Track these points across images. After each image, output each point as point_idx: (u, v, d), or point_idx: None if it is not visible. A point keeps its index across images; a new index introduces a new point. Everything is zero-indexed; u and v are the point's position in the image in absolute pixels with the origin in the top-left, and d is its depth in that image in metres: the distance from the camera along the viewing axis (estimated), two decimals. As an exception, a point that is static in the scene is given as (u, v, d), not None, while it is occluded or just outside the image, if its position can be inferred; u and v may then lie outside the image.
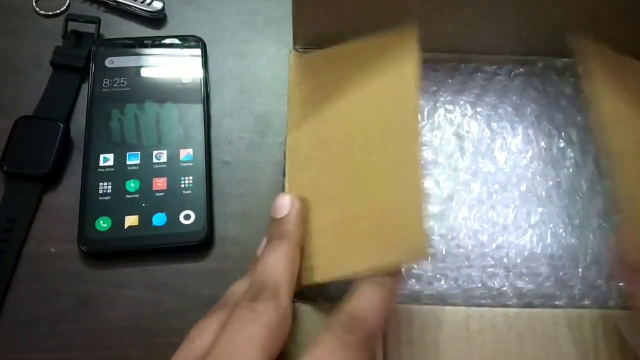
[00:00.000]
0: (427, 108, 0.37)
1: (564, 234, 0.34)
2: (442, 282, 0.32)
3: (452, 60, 0.39)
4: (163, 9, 0.48)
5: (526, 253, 0.33)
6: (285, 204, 0.28)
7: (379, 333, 0.24)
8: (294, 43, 0.38)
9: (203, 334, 0.25)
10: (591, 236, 0.34)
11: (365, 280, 0.25)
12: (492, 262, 0.32)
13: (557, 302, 0.32)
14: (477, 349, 0.29)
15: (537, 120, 0.38)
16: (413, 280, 0.32)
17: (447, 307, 0.30)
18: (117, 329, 0.37)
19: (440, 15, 0.36)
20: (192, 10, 0.49)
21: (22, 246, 0.39)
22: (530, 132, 0.37)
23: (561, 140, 0.37)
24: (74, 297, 0.38)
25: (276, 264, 0.26)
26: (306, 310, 0.29)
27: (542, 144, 0.37)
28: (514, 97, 0.38)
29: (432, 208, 0.34)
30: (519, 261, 0.33)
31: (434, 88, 0.38)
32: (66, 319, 0.37)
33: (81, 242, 0.38)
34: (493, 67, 0.39)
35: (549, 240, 0.33)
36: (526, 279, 0.32)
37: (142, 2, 0.47)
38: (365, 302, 0.25)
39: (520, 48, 0.39)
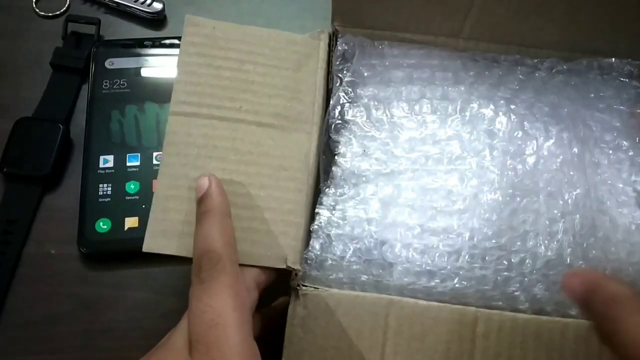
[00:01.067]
0: (459, 101, 0.36)
1: (585, 245, 0.33)
2: (455, 280, 0.31)
3: (492, 51, 0.38)
4: (163, 10, 0.48)
5: (544, 260, 0.32)
6: (204, 182, 0.29)
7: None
8: (333, 20, 0.38)
9: None
10: (613, 249, 0.33)
11: None
12: (508, 266, 0.32)
13: (570, 312, 0.31)
14: (479, 352, 0.29)
15: (572, 124, 0.36)
16: (427, 277, 0.32)
17: (457, 306, 0.29)
18: (117, 330, 0.37)
19: (484, 3, 0.36)
20: (192, 11, 0.48)
21: (22, 248, 0.39)
22: (565, 135, 0.36)
23: (596, 148, 0.36)
24: (73, 299, 0.38)
25: (208, 233, 0.28)
26: (316, 296, 0.29)
27: (575, 150, 0.35)
28: (552, 97, 0.37)
29: (454, 205, 0.33)
30: (536, 268, 0.32)
31: (471, 80, 0.37)
32: (66, 320, 0.37)
33: (81, 243, 0.38)
34: (534, 61, 0.38)
35: (569, 250, 0.32)
36: (541, 285, 0.31)
37: (142, 3, 0.47)
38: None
39: (565, 44, 0.38)
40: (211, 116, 0.32)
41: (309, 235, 0.32)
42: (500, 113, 0.36)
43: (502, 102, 0.37)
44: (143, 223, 0.39)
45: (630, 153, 0.36)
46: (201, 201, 0.29)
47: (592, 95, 0.37)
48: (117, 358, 0.36)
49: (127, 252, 0.39)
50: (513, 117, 0.36)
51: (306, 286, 0.30)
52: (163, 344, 0.27)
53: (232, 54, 0.34)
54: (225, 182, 0.30)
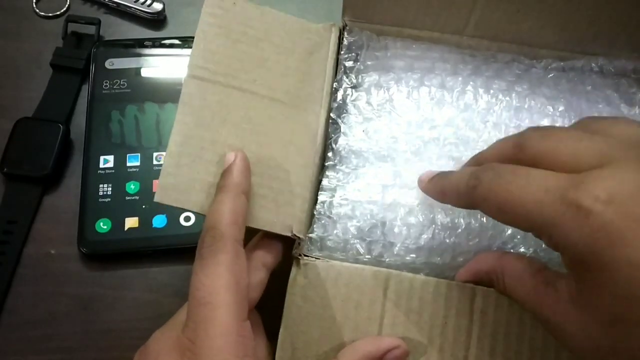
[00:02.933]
0: (456, 90, 0.37)
1: None
2: (454, 255, 0.32)
3: (494, 49, 0.39)
4: (163, 10, 0.48)
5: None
6: (229, 157, 0.30)
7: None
8: (343, 14, 0.38)
9: None
10: None
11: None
12: (510, 245, 0.32)
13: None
14: (477, 327, 0.29)
15: (569, 115, 0.37)
16: (426, 252, 0.32)
17: (455, 282, 0.30)
18: (116, 331, 0.37)
19: (487, 1, 0.36)
20: (192, 11, 0.49)
21: (22, 248, 0.39)
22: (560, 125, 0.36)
23: None
24: (73, 299, 0.38)
25: (217, 210, 0.28)
26: (316, 267, 0.30)
27: None
28: (548, 90, 0.38)
29: None
30: (530, 244, 0.32)
31: (468, 72, 0.38)
32: (66, 320, 0.37)
33: (81, 243, 0.38)
34: (532, 61, 0.39)
35: None
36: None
37: (142, 4, 0.47)
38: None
39: (563, 44, 0.38)
40: (227, 84, 0.32)
41: (312, 212, 0.33)
42: (496, 102, 0.37)
43: (498, 92, 0.37)
44: (143, 223, 0.39)
45: None
46: (222, 176, 0.29)
47: (590, 87, 0.38)
48: (117, 358, 0.36)
49: (127, 252, 0.39)
50: (508, 106, 0.37)
51: (307, 256, 0.30)
52: (171, 318, 0.28)
53: (250, 31, 0.34)
54: (236, 147, 0.30)
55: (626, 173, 0.21)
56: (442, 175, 0.30)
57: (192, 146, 0.30)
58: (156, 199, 0.29)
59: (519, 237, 0.33)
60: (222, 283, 0.25)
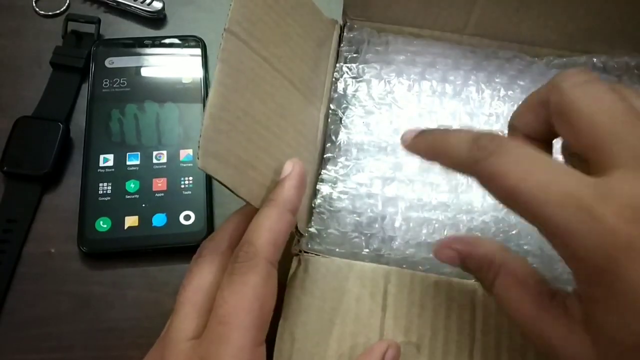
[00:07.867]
0: (458, 83, 0.37)
1: None
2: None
3: (492, 46, 0.39)
4: (163, 9, 0.48)
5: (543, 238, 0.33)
6: (286, 168, 0.28)
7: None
8: (344, 12, 0.39)
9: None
10: None
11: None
12: (505, 239, 0.32)
13: (567, 287, 0.31)
14: (480, 321, 0.29)
15: None
16: (426, 248, 0.32)
17: (455, 279, 0.30)
18: (117, 329, 0.37)
19: (486, 0, 0.37)
20: (192, 10, 0.49)
21: (22, 247, 0.39)
22: None
23: None
24: (73, 298, 0.38)
25: (259, 225, 0.26)
26: (317, 261, 0.30)
27: None
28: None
29: (452, 181, 0.34)
30: (531, 241, 0.32)
31: (470, 67, 0.38)
32: (66, 319, 0.37)
33: (81, 242, 0.38)
34: (533, 59, 0.39)
35: None
36: (536, 258, 0.32)
37: (142, 2, 0.47)
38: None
39: (564, 42, 0.38)
40: (259, 53, 0.30)
41: (311, 206, 0.33)
42: (497, 97, 0.37)
43: (499, 87, 0.37)
44: (143, 222, 0.39)
45: None
46: (274, 187, 0.28)
47: None
48: (117, 357, 0.36)
49: (127, 251, 0.39)
50: (510, 100, 0.37)
51: (307, 252, 0.30)
52: (165, 334, 0.27)
53: (280, 2, 0.32)
54: (264, 126, 0.29)
55: None
56: (437, 133, 0.25)
57: (230, 112, 0.28)
58: (200, 165, 0.26)
59: (528, 237, 0.32)
60: (245, 305, 0.24)
